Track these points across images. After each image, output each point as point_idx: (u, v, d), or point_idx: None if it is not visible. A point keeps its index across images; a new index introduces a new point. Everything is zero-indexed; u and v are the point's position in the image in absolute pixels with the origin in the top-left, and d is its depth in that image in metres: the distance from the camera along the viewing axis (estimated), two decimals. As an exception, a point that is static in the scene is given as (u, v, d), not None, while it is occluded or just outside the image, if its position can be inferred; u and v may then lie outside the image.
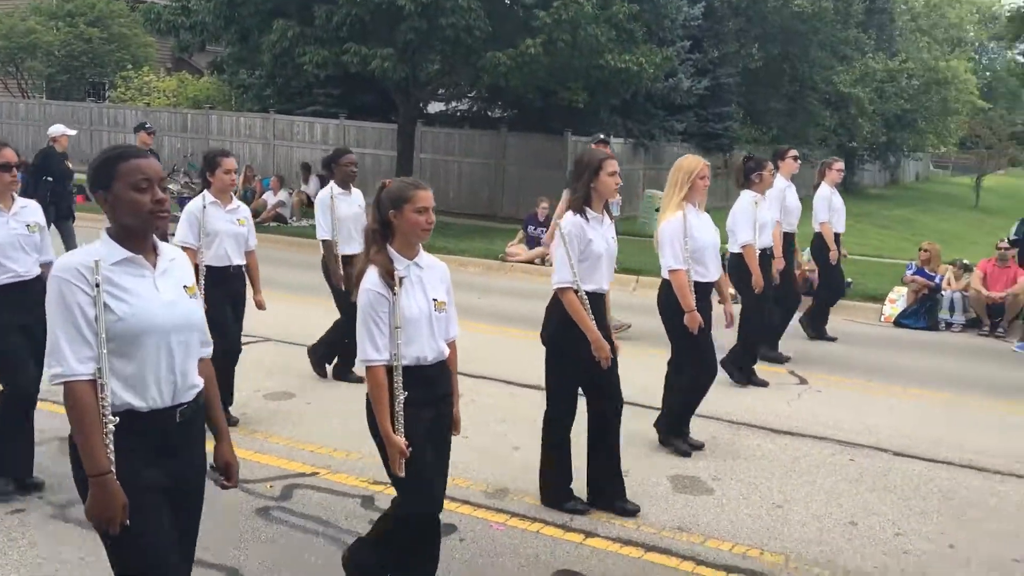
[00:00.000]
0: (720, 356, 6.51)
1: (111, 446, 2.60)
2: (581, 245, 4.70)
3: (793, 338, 9.50)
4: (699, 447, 5.92)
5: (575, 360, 4.75)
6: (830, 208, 9.08)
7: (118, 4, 29.79)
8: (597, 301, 4.77)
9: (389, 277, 3.44)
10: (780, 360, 8.43)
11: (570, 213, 4.78)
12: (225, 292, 5.96)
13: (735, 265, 7.38)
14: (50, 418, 5.20)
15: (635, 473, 5.41)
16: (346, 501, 4.97)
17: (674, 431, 5.94)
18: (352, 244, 6.95)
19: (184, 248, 5.53)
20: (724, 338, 6.77)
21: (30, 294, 4.61)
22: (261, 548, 4.38)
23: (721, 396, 6.76)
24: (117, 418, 2.63)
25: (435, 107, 24.14)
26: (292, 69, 16.81)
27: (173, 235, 6.22)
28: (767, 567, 4.41)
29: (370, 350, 3.45)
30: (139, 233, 2.73)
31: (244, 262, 6.11)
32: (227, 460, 2.98)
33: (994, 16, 49.28)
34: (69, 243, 11.18)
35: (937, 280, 10.95)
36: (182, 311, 2.76)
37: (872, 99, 29.93)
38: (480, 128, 22.78)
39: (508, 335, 9.14)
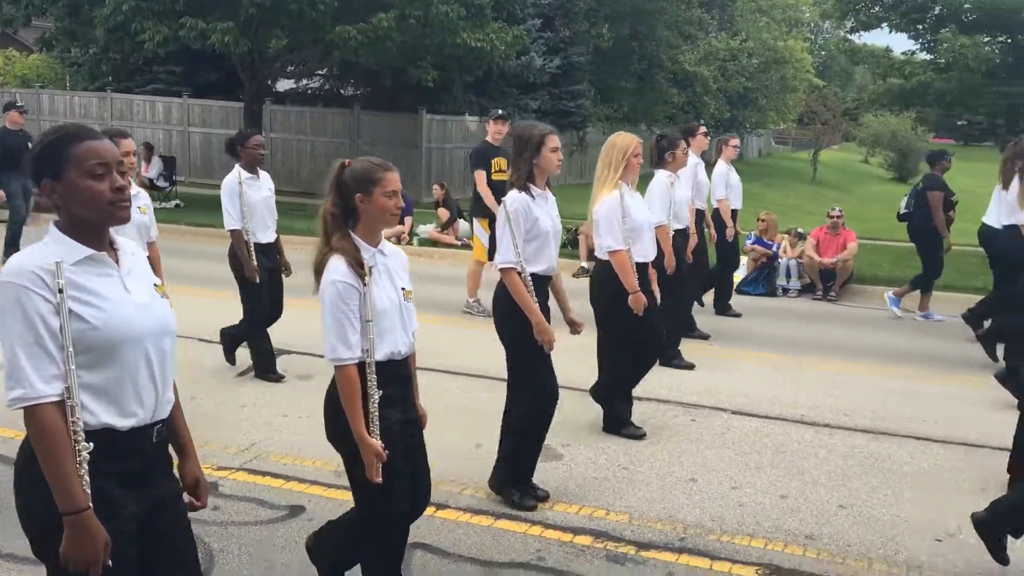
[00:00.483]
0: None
1: (85, 476, 2.25)
2: (527, 224, 4.53)
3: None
4: (641, 435, 5.82)
5: (527, 342, 4.55)
6: (727, 184, 9.19)
7: (-69, -26, 27.54)
8: (543, 283, 4.62)
9: (359, 266, 3.17)
10: (703, 337, 8.51)
11: (514, 191, 4.59)
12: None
13: None
14: None
15: (488, 444, 5.45)
16: (188, 489, 4.80)
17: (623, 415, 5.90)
18: (266, 232, 6.59)
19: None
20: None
21: None
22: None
23: (570, 365, 6.89)
24: (91, 444, 2.26)
25: (285, 85, 23.52)
26: (130, 45, 15.99)
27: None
28: (612, 526, 4.54)
29: (341, 347, 3.17)
30: (98, 227, 2.38)
31: (147, 254, 5.68)
32: (196, 477, 2.64)
33: (826, -2, 51.96)
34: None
35: (774, 248, 11.51)
36: (158, 314, 2.44)
37: (716, 77, 31.08)
38: (332, 107, 22.38)
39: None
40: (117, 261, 2.42)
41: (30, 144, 10.72)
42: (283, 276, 6.80)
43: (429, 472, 3.56)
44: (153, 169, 17.48)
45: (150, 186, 17.28)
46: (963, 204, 10.88)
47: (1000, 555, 4.09)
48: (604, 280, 5.56)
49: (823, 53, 52.60)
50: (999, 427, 6.28)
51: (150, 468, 2.43)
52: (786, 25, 43.92)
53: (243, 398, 6.33)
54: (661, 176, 7.26)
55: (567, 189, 24.67)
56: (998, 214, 8.22)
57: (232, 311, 6.91)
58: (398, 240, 13.79)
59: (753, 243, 11.64)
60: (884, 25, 14.21)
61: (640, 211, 5.67)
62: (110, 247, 2.43)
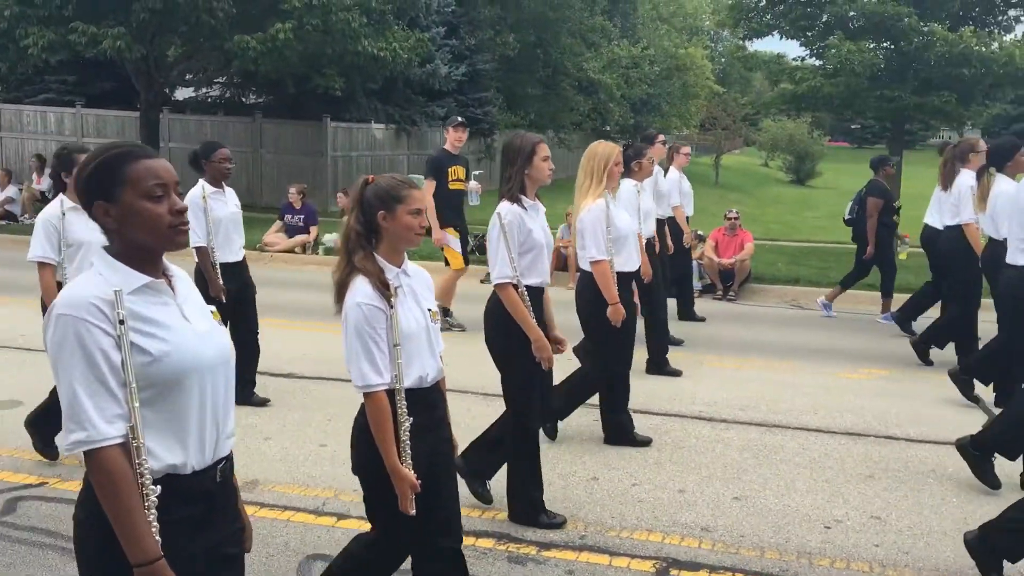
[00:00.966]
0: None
1: (155, 523, 2.06)
2: (521, 236, 4.42)
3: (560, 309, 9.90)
4: (647, 442, 5.83)
5: (523, 360, 4.45)
6: (680, 192, 9.20)
7: None
8: (538, 296, 4.52)
9: (384, 287, 3.02)
10: (675, 343, 8.47)
11: (506, 203, 4.46)
12: None
13: None
14: None
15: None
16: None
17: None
18: (231, 250, 6.29)
19: (42, 264, 4.91)
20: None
21: None
22: (-24, 569, 4.01)
23: (468, 367, 6.91)
24: (159, 487, 2.09)
25: (184, 94, 22.98)
26: (15, 53, 15.37)
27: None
28: (514, 528, 4.57)
29: (370, 373, 2.99)
30: (154, 253, 2.21)
31: None
32: (243, 520, 2.45)
33: (723, 6, 53.47)
34: None
35: (676, 250, 11.76)
36: (219, 343, 2.28)
37: (619, 84, 31.62)
38: (234, 115, 21.95)
39: (273, 325, 8.88)
40: (172, 288, 2.27)
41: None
42: (253, 295, 6.52)
43: (458, 500, 3.37)
44: (44, 182, 16.85)
45: (41, 199, 16.67)
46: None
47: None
48: (586, 290, 5.45)
49: (723, 60, 54.03)
50: (885, 416, 6.58)
51: (216, 510, 2.26)
52: (686, 33, 45.03)
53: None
54: (627, 184, 7.09)
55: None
56: (940, 215, 8.27)
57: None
58: (303, 249, 13.62)
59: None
60: (775, 32, 14.71)
61: (624, 220, 5.59)
62: (163, 273, 2.26)
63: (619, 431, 5.86)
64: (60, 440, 2.04)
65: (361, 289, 3.02)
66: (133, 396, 2.05)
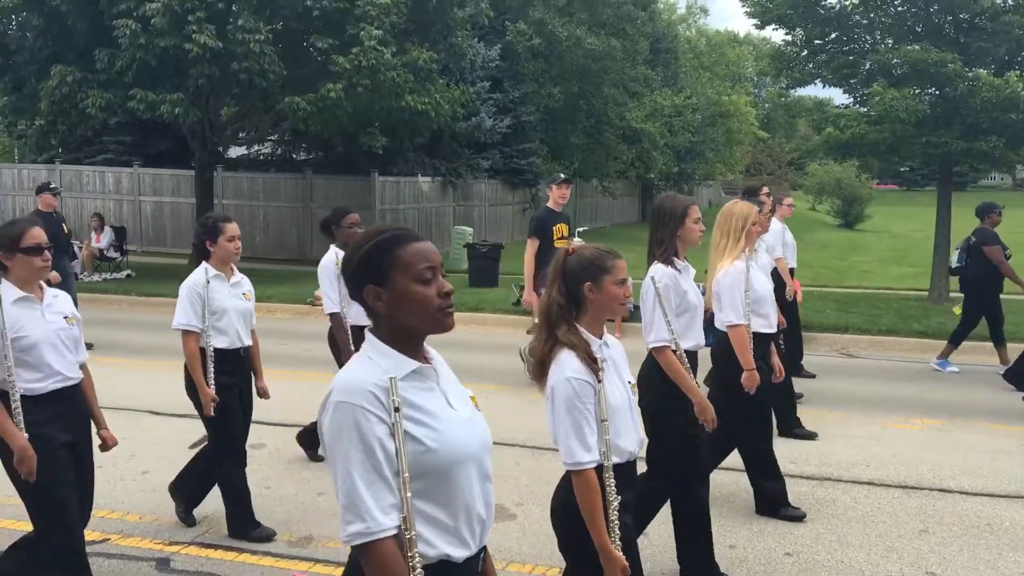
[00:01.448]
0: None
1: None
2: (677, 298, 4.37)
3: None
4: (800, 516, 5.50)
5: (683, 424, 4.37)
6: (783, 243, 9.02)
7: None
8: (694, 359, 4.44)
9: (592, 361, 2.96)
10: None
11: (660, 265, 4.43)
12: (235, 380, 5.13)
13: None
14: None
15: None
16: (139, 565, 4.77)
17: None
18: (362, 314, 6.32)
19: (186, 332, 4.94)
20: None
21: (74, 402, 4.03)
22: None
23: (512, 418, 6.97)
24: None
25: (237, 151, 23.63)
26: (76, 115, 16.01)
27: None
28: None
29: (580, 450, 2.91)
30: (420, 336, 2.19)
31: (251, 343, 5.27)
32: None
33: (765, 54, 53.71)
34: None
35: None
36: (481, 430, 2.24)
37: (662, 133, 31.82)
38: (285, 171, 22.52)
39: (329, 380, 9.04)
40: (437, 371, 2.22)
41: (64, 226, 10.28)
42: None
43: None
44: (104, 239, 17.40)
45: (100, 257, 17.20)
46: (905, 248, 11.20)
47: None
48: (727, 355, 5.18)
49: (766, 106, 54.09)
50: (938, 468, 6.48)
51: None
52: (729, 80, 45.19)
53: (195, 470, 6.30)
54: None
55: (519, 246, 24.85)
56: None
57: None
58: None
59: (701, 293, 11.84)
60: (818, 81, 14.75)
61: (762, 281, 5.43)
62: (424, 356, 2.21)
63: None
64: (340, 530, 2.05)
65: (569, 363, 2.95)
66: (406, 486, 2.01)
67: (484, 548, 2.25)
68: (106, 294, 14.72)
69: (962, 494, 5.99)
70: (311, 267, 18.41)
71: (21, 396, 3.79)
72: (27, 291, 3.90)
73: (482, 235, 21.78)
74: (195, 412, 5.14)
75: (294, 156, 24.04)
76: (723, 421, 4.59)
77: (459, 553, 2.13)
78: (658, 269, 4.42)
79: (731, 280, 5.09)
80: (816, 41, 14.37)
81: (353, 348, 6.05)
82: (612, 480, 2.94)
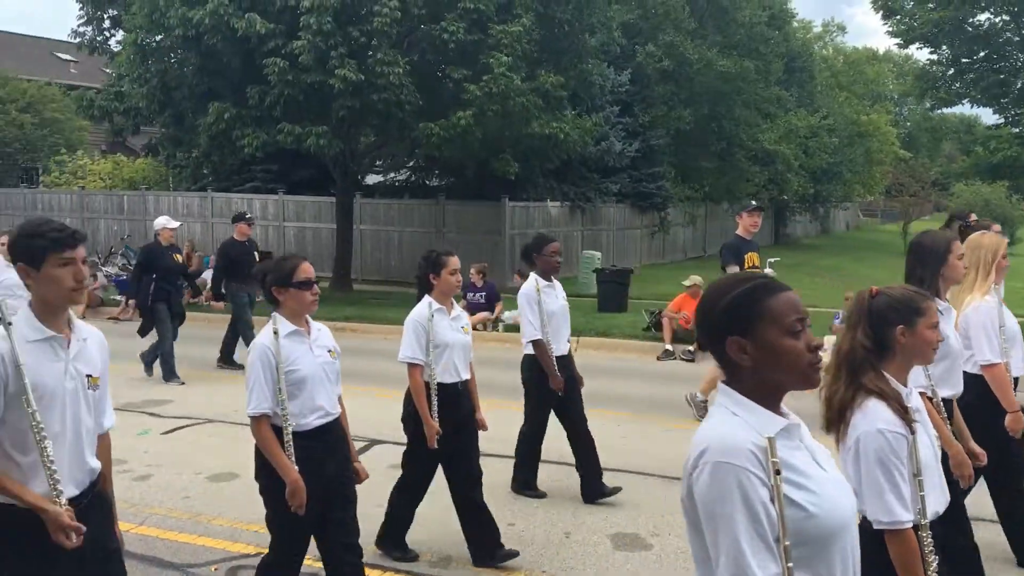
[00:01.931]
0: None
1: None
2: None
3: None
4: None
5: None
6: None
7: (50, 89, 29.80)
8: (950, 407, 4.17)
9: (904, 412, 2.77)
10: None
11: None
12: (456, 414, 5.18)
13: None
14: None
15: (576, 534, 5.54)
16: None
17: None
18: (560, 342, 6.22)
19: (412, 364, 5.01)
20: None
21: (335, 436, 4.11)
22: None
23: (656, 449, 6.94)
24: None
25: (373, 178, 24.47)
26: (230, 149, 17.02)
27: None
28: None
29: (899, 508, 2.71)
30: (784, 391, 2.07)
31: (469, 376, 5.35)
32: None
33: (908, 72, 51.73)
34: (163, 345, 10.22)
35: (863, 328, 11.34)
36: (850, 493, 2.09)
37: (797, 155, 31.08)
38: (419, 197, 23.15)
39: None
40: (800, 431, 2.09)
41: (256, 254, 10.96)
42: (579, 386, 6.45)
43: None
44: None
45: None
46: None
47: None
48: (977, 397, 4.65)
49: (908, 124, 52.01)
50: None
51: None
52: (868, 99, 43.71)
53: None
54: None
55: (647, 270, 24.79)
56: None
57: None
58: (484, 326, 14.09)
59: (840, 322, 11.52)
60: (965, 101, 14.15)
61: (1011, 317, 5.01)
62: (783, 412, 2.07)
63: None
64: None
65: (881, 414, 2.76)
66: (787, 555, 1.87)
67: None
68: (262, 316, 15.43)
69: None
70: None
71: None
72: (296, 325, 4.00)
73: (610, 260, 21.76)
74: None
75: (427, 182, 24.72)
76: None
77: None
78: None
79: (983, 317, 4.70)
80: (964, 60, 13.84)
81: (559, 375, 6.01)
82: (930, 540, 2.76)
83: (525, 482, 6.38)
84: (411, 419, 5.13)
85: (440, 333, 5.03)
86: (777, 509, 1.87)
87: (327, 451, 4.00)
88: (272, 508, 3.98)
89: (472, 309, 14.45)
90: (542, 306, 6.07)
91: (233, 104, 15.77)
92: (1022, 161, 12.53)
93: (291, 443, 3.88)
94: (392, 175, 24.83)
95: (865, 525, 2.69)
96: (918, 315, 2.89)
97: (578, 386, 6.40)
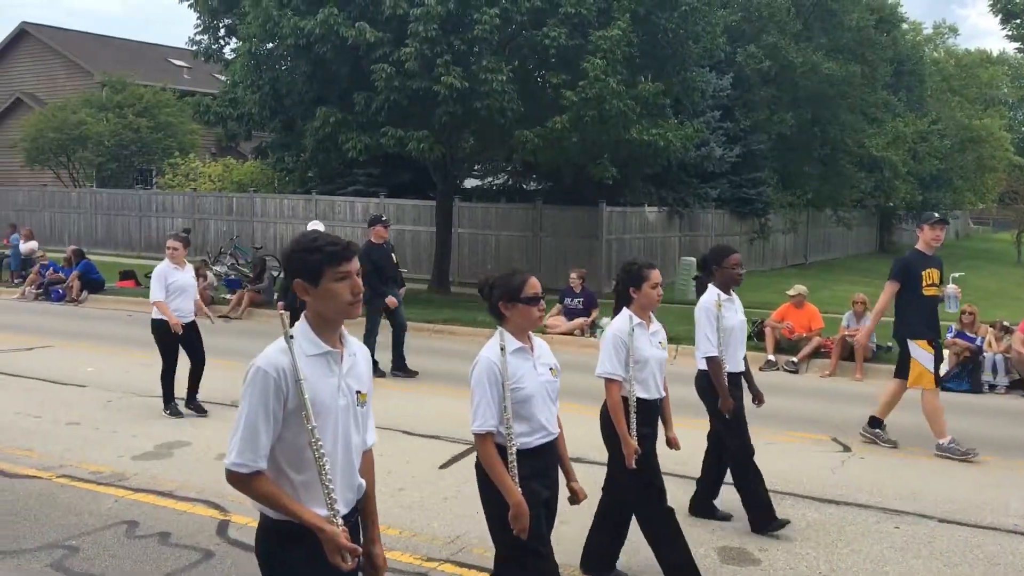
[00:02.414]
0: None
1: None
2: None
3: (834, 401, 9.57)
4: None
5: None
6: None
7: (165, 94, 31.11)
8: None
9: None
10: None
11: None
12: (652, 431, 5.03)
13: None
14: None
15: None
16: (400, 579, 5.10)
17: None
18: (736, 360, 5.88)
19: (610, 380, 4.86)
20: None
21: (553, 456, 4.00)
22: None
23: (765, 464, 6.83)
24: None
25: (471, 182, 24.75)
26: (335, 153, 17.47)
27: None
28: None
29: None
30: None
31: (664, 392, 5.17)
32: None
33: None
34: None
35: (978, 342, 10.96)
36: None
37: (905, 160, 30.09)
38: (516, 201, 23.30)
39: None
40: None
41: (394, 256, 11.22)
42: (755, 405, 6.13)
43: None
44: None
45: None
46: None
47: None
48: None
49: (1023, 129, 49.76)
50: None
51: None
52: (981, 103, 42.02)
53: (446, 490, 6.67)
54: None
55: (747, 277, 24.19)
56: None
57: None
58: (581, 331, 14.09)
59: (955, 336, 11.13)
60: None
61: None
62: None
63: None
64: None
65: None
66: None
67: None
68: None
69: None
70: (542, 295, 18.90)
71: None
72: (520, 341, 3.89)
73: (710, 266, 21.46)
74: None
75: (524, 187, 24.85)
76: None
77: None
78: None
79: None
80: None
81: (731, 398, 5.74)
82: None
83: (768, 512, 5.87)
84: (609, 437, 4.95)
85: (640, 348, 4.90)
86: None
87: (544, 472, 3.91)
88: (497, 525, 3.85)
89: (570, 314, 14.47)
90: (720, 320, 5.75)
91: (339, 109, 16.18)
92: None
93: (515, 463, 3.77)
94: (490, 179, 25.06)
95: None
96: None
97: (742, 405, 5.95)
